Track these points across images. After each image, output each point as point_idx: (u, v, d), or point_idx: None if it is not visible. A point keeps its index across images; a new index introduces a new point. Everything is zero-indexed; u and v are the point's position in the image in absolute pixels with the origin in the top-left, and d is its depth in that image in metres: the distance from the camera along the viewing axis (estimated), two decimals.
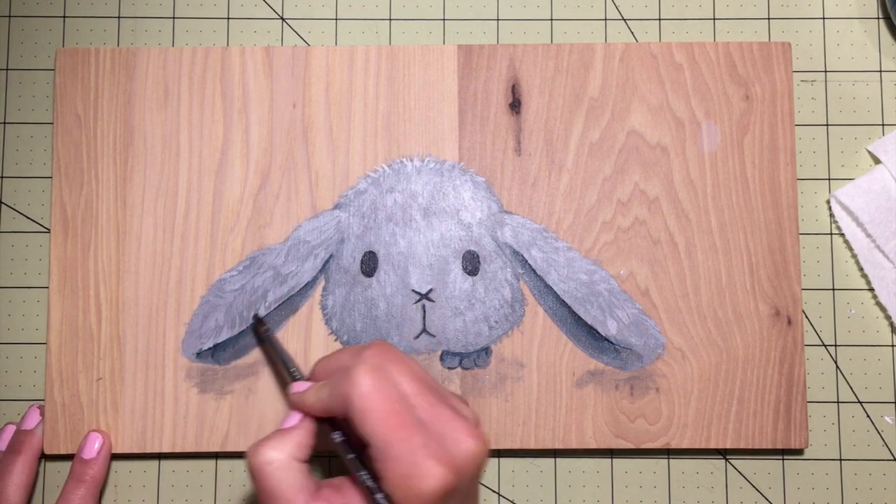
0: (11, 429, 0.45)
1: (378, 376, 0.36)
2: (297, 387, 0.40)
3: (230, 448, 0.45)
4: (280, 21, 0.49)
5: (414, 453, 0.34)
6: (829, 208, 0.48)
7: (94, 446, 0.44)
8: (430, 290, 0.46)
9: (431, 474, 0.34)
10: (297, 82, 0.47)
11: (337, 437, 0.38)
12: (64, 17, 0.49)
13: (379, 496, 0.35)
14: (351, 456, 0.37)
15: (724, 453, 0.47)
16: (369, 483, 0.36)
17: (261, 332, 0.45)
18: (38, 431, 0.45)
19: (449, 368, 0.45)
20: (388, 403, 0.35)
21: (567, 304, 0.46)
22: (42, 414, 0.45)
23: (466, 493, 0.36)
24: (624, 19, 0.49)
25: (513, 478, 0.46)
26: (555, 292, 0.46)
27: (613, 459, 0.46)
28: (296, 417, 0.39)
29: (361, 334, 0.46)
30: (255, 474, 0.36)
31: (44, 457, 0.46)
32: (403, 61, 0.47)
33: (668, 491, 0.46)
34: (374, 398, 0.35)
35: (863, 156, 0.48)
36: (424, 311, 0.46)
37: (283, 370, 0.43)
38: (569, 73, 0.47)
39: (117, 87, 0.47)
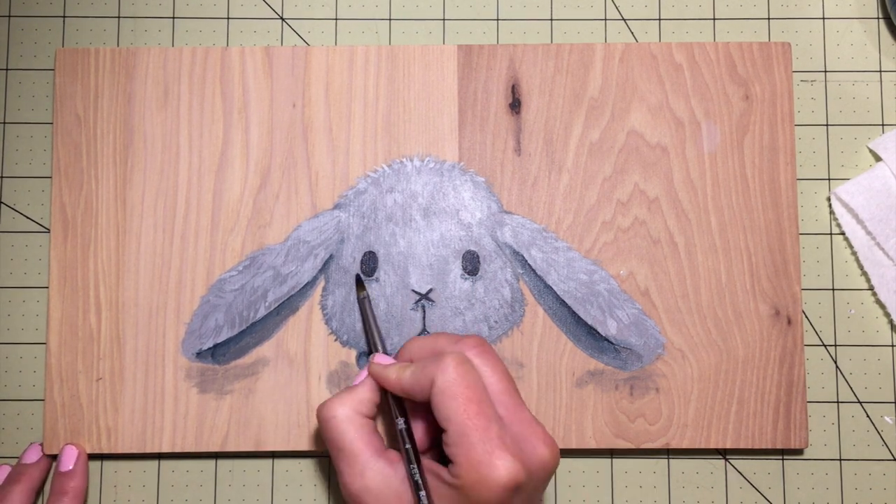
0: (6, 468, 0.45)
1: (467, 366, 0.37)
2: (380, 359, 0.41)
3: (230, 448, 0.45)
4: (280, 21, 0.49)
5: (489, 442, 0.36)
6: (830, 207, 0.48)
7: (71, 459, 0.44)
8: (430, 290, 0.46)
9: (504, 466, 0.35)
10: (297, 82, 0.47)
11: (401, 423, 0.40)
12: (64, 17, 0.49)
13: (422, 493, 0.37)
14: (407, 446, 0.39)
15: (723, 453, 0.47)
16: (417, 478, 0.37)
17: (358, 296, 0.45)
18: (41, 465, 0.45)
19: None
20: (471, 392, 0.37)
21: (567, 304, 0.46)
22: (43, 451, 0.45)
23: (530, 500, 0.37)
24: (624, 19, 0.49)
25: None
26: (555, 292, 0.46)
27: (613, 459, 0.46)
28: (363, 375, 0.41)
29: (361, 334, 0.46)
30: (322, 427, 0.40)
31: (45, 456, 0.46)
32: (403, 61, 0.47)
33: (668, 491, 0.46)
34: (458, 384, 0.37)
35: (862, 156, 0.48)
36: (424, 311, 0.46)
37: (368, 338, 0.44)
38: (569, 73, 0.47)
39: (117, 87, 0.47)
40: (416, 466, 0.38)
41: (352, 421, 0.39)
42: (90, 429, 0.45)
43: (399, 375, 0.39)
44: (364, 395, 0.40)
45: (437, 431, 0.40)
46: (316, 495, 0.46)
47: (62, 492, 0.44)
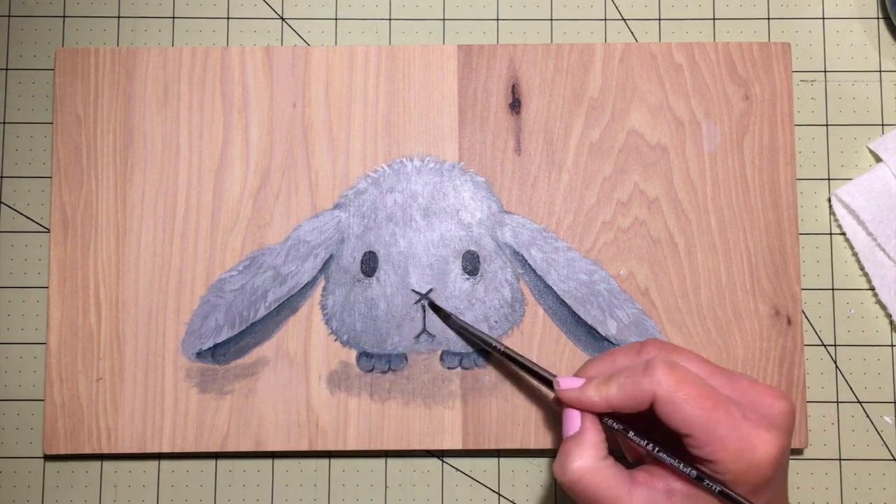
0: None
1: (678, 367, 0.36)
2: (567, 382, 0.39)
3: (230, 448, 0.45)
4: (280, 21, 0.49)
5: (739, 427, 0.35)
6: (830, 207, 0.48)
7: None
8: (430, 290, 0.46)
9: (765, 441, 0.35)
10: (297, 82, 0.47)
11: (649, 444, 0.37)
12: (64, 17, 0.49)
13: (716, 486, 0.35)
14: (661, 453, 0.37)
15: None
16: (694, 473, 0.36)
17: (451, 322, 0.44)
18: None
19: (449, 368, 0.45)
20: (698, 389, 0.36)
21: (567, 304, 0.46)
22: None
23: (786, 454, 0.36)
24: (624, 19, 0.49)
25: (513, 478, 0.46)
26: (555, 292, 0.46)
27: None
28: (576, 420, 0.38)
29: (361, 334, 0.46)
30: (573, 491, 0.37)
31: (44, 457, 0.46)
32: (403, 61, 0.47)
33: None
34: (682, 388, 0.35)
35: (862, 156, 0.48)
36: (424, 311, 0.46)
37: (538, 367, 0.41)
38: (569, 73, 0.47)
39: (117, 87, 0.47)
40: (682, 462, 0.36)
41: (598, 471, 0.36)
42: (90, 429, 0.45)
43: (604, 393, 0.37)
44: (593, 438, 0.37)
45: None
46: (316, 495, 0.46)
47: None
